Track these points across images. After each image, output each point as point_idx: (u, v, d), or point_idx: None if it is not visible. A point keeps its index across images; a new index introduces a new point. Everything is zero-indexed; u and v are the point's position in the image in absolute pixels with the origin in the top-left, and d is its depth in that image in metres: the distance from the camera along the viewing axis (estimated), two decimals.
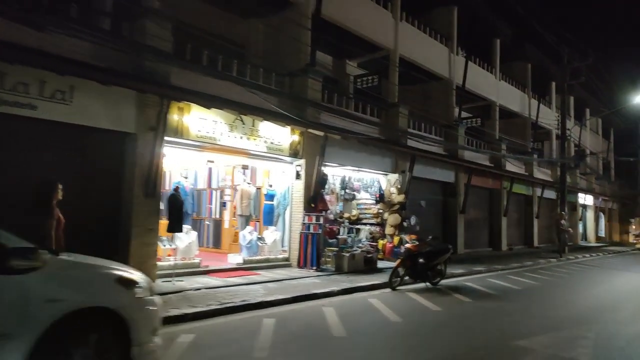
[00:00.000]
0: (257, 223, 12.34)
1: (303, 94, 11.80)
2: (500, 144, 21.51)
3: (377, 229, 15.09)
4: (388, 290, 9.32)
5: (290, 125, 11.07)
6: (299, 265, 11.24)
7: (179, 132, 9.12)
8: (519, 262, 15.90)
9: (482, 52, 21.56)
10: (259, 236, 11.67)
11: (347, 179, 14.03)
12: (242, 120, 10.29)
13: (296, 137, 11.63)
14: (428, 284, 10.04)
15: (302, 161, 11.81)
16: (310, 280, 9.73)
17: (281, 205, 12.28)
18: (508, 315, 7.41)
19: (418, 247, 9.82)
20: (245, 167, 11.59)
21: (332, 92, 13.41)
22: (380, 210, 15.06)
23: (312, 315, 6.81)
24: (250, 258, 11.02)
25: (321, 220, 11.35)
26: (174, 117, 9.00)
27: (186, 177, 10.95)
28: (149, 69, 8.44)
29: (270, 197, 12.05)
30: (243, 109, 9.76)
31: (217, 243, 13.65)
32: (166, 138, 8.92)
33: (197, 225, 13.21)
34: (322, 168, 12.66)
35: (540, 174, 25.55)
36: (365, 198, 15.49)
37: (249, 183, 11.75)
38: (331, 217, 13.90)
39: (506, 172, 21.22)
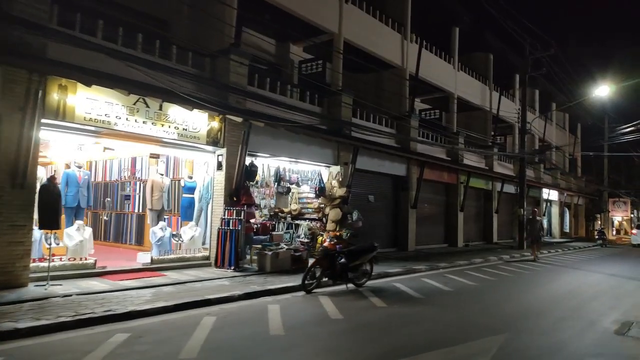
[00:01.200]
0: (177, 218, 11.28)
1: (226, 77, 10.77)
2: (457, 137, 20.84)
3: (318, 224, 14.19)
4: (301, 293, 8.40)
5: (203, 110, 9.99)
6: (217, 265, 10.23)
7: (60, 114, 7.97)
8: (467, 260, 15.21)
9: (441, 41, 20.80)
10: (174, 232, 10.61)
11: (281, 170, 13.04)
12: (145, 103, 9.18)
13: (216, 124, 10.57)
14: (350, 285, 9.16)
15: (223, 150, 10.78)
16: (219, 283, 8.73)
17: (204, 199, 11.25)
18: (416, 323, 6.56)
19: (336, 245, 8.92)
20: (154, 156, 10.48)
21: (265, 77, 12.40)
22: (322, 205, 14.15)
23: (179, 329, 5.77)
24: (161, 257, 9.97)
25: (242, 215, 10.35)
26: (54, 96, 7.85)
27: (80, 167, 9.79)
28: (19, 39, 7.28)
29: (190, 189, 11.00)
30: (141, 90, 8.67)
31: (139, 240, 12.52)
32: (44, 121, 7.79)
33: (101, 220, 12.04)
34: (251, 159, 11.71)
35: (502, 168, 25.02)
36: (306, 192, 14.57)
37: (161, 174, 10.64)
38: (263, 212, 12.99)
39: (462, 165, 20.54)
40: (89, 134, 8.73)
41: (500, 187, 24.41)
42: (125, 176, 12.40)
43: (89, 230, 9.08)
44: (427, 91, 21.25)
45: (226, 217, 10.39)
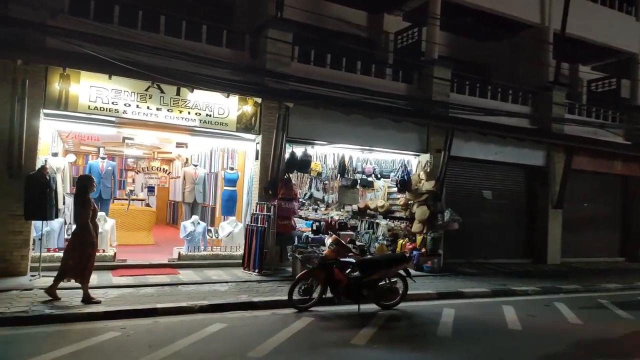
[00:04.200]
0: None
1: (262, 55, 9.56)
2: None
3: (403, 224, 11.76)
4: (291, 311, 6.56)
5: (232, 94, 8.95)
6: (244, 266, 9.04)
7: (62, 103, 7.93)
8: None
9: None
10: (209, 228, 9.87)
11: (347, 160, 11.09)
12: (160, 89, 8.61)
13: (249, 108, 9.41)
14: (372, 306, 6.85)
15: (259, 137, 9.56)
16: (222, 288, 7.51)
17: (251, 193, 10.23)
18: None
19: (337, 253, 6.72)
20: (181, 145, 9.87)
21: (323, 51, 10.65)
22: (410, 201, 11.66)
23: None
24: (190, 253, 9.30)
25: (271, 211, 8.95)
26: (55, 85, 7.84)
27: (104, 158, 9.79)
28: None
29: (231, 181, 10.10)
30: (148, 75, 8.05)
31: None
32: (46, 111, 7.86)
33: None
34: (305, 147, 10.22)
35: None
36: (390, 186, 12.28)
37: (195, 165, 10.00)
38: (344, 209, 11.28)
39: None
40: (100, 123, 8.58)
41: None
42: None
43: (110, 222, 8.98)
44: (596, 56, 16.07)
45: (257, 212, 9.14)
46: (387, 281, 6.94)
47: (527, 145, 12.94)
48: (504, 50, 15.19)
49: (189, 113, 8.86)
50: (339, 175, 11.09)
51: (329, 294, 6.83)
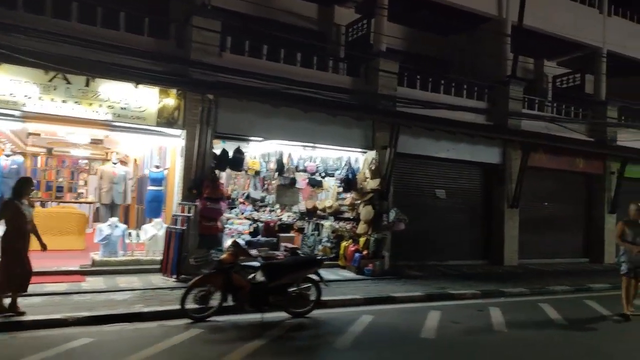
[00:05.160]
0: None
1: (188, 45, 8.95)
2: (605, 108, 14.69)
3: (349, 225, 11.18)
4: (184, 322, 5.92)
5: (142, 84, 8.30)
6: (162, 272, 8.38)
7: None
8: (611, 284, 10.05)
9: None
10: (130, 231, 9.21)
11: (287, 158, 10.47)
12: (66, 80, 7.95)
13: (171, 101, 8.78)
14: (279, 314, 6.24)
15: (182, 132, 8.94)
16: (116, 297, 6.85)
17: None
18: None
19: (235, 257, 6.10)
20: (96, 141, 9.20)
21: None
22: (357, 201, 11.09)
23: None
24: (106, 259, 8.63)
25: (191, 212, 8.32)
26: None
27: (8, 155, 9.12)
28: None
29: (156, 180, 9.47)
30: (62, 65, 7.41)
31: None
32: None
33: None
34: (238, 144, 9.62)
35: None
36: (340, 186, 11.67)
37: (114, 163, 9.33)
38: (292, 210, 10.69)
39: (612, 148, 14.33)
40: (13, 118, 7.91)
41: None
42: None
43: None
44: (560, 50, 15.66)
45: (178, 213, 8.51)
46: (298, 287, 6.33)
47: (482, 142, 12.44)
48: (465, 44, 14.70)
49: (100, 106, 8.21)
50: (276, 173, 10.45)
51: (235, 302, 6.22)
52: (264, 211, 12.87)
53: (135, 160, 13.04)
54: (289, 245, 9.34)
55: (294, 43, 10.84)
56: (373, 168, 10.67)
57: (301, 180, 12.03)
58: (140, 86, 8.32)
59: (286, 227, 10.79)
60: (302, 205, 12.12)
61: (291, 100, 9.34)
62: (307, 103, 9.50)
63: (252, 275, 6.20)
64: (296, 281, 6.27)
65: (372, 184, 10.55)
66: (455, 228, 12.46)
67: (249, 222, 10.64)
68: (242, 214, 12.23)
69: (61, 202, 13.97)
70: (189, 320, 5.94)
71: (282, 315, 6.31)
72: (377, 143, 10.93)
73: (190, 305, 5.96)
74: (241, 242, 9.23)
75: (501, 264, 12.56)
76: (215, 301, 6.10)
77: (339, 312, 6.90)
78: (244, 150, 9.82)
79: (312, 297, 6.48)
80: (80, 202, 14.07)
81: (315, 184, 12.06)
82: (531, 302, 8.36)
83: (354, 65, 11.48)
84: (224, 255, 6.17)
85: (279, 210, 12.63)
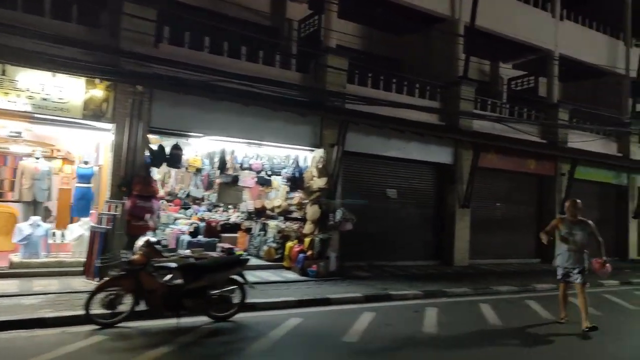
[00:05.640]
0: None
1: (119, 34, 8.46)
2: (556, 110, 14.88)
3: (296, 225, 10.86)
4: (90, 328, 5.45)
5: (71, 74, 7.78)
6: (86, 274, 7.84)
7: None
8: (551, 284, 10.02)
9: None
10: (55, 231, 8.62)
11: (230, 155, 10.06)
12: None
13: (98, 93, 8.24)
14: (198, 319, 5.84)
15: (112, 126, 8.42)
16: (24, 301, 6.30)
17: None
18: None
19: (147, 258, 5.68)
20: (15, 135, 8.59)
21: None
22: (305, 201, 10.77)
23: None
24: (26, 260, 8.03)
25: (117, 210, 7.82)
26: None
27: (38, 158, 8.55)
28: None
29: (85, 177, 8.90)
30: None
31: None
32: None
33: None
34: (177, 139, 9.17)
35: None
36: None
37: (37, 158, 8.74)
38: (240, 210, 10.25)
39: (562, 150, 14.51)
40: None
41: None
42: None
43: None
44: (514, 52, 15.81)
45: (106, 212, 7.98)
46: (221, 289, 5.95)
47: (434, 141, 12.35)
48: (419, 44, 14.64)
49: (18, 96, 7.62)
50: (218, 171, 10.01)
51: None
52: (216, 211, 12.54)
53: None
54: (226, 245, 8.95)
55: (242, 37, 10.50)
56: (320, 166, 10.38)
57: (250, 178, 11.68)
58: (64, 76, 7.79)
59: (230, 227, 10.37)
60: (251, 205, 11.76)
61: (232, 95, 8.96)
62: (248, 97, 9.14)
63: (169, 277, 5.78)
64: (217, 283, 5.89)
65: (318, 182, 10.26)
66: (406, 228, 12.31)
67: (195, 222, 10.19)
68: (196, 214, 11.85)
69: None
70: (96, 327, 5.47)
71: (203, 319, 5.93)
72: (325, 141, 10.65)
73: (98, 310, 5.50)
74: (185, 239, 8.83)
75: (452, 264, 12.48)
76: (126, 306, 5.65)
77: (267, 315, 6.55)
78: (182, 146, 9.36)
79: (236, 300, 6.11)
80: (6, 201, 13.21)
81: (264, 183, 11.72)
82: (472, 302, 8.22)
83: (305, 61, 11.21)
84: (134, 256, 5.72)
85: (231, 210, 12.27)
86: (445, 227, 12.84)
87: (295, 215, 11.22)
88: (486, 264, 13.01)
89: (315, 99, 10.54)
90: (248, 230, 11.51)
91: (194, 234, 9.59)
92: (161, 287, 5.65)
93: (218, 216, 12.45)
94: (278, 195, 11.88)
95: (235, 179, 10.26)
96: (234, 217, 12.26)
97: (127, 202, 8.05)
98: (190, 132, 9.22)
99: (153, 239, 5.76)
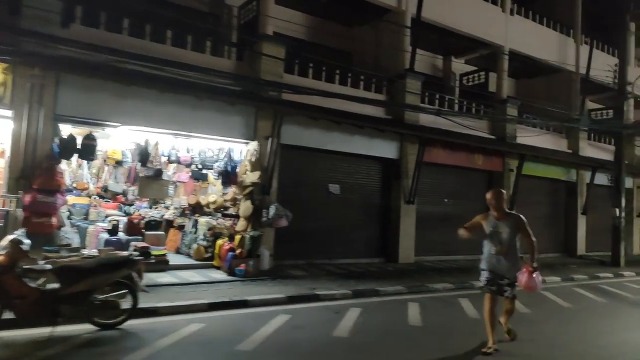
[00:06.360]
0: None
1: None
2: (504, 106, 14.76)
3: (229, 222, 10.28)
4: None
5: None
6: None
7: None
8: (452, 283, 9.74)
9: None
10: None
11: (153, 146, 9.37)
12: None
13: None
14: (93, 325, 5.20)
15: (9, 113, 7.62)
16: None
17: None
18: None
19: (12, 259, 4.99)
20: None
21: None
22: (238, 196, 10.19)
23: None
24: None
25: (12, 206, 7.05)
26: None
27: None
28: None
29: None
30: None
31: None
32: None
33: None
34: (90, 129, 8.39)
35: (598, 151, 17.58)
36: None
37: None
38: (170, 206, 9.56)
39: (509, 145, 14.40)
40: None
41: (590, 177, 17.07)
42: None
43: None
44: (465, 47, 15.61)
45: (1, 208, 7.20)
46: (106, 294, 5.32)
47: (379, 135, 11.97)
48: (368, 36, 14.24)
49: None
50: (138, 163, 9.30)
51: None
52: (156, 207, 11.84)
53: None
54: (139, 244, 8.27)
55: (170, 21, 9.81)
56: (253, 160, 9.82)
57: (184, 173, 11.04)
58: None
59: (155, 224, 9.67)
60: (185, 201, 11.11)
61: (150, 80, 8.29)
62: (168, 84, 8.49)
63: (41, 280, 5.12)
64: (101, 286, 5.26)
65: (251, 177, 9.69)
66: (350, 225, 11.88)
67: (114, 219, 9.44)
68: (138, 211, 11.12)
69: None
70: None
71: (86, 327, 5.28)
72: (260, 133, 10.08)
73: None
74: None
75: (397, 261, 12.13)
76: None
77: (168, 320, 5.95)
78: (98, 136, 8.61)
79: (127, 305, 5.49)
80: None
81: (199, 178, 11.08)
82: (402, 301, 7.83)
83: (241, 49, 10.62)
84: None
85: (172, 208, 11.62)
86: (391, 224, 12.49)
87: (231, 211, 10.65)
88: (431, 261, 12.73)
89: (248, 88, 9.97)
90: (181, 228, 10.86)
91: (112, 231, 8.85)
92: (32, 293, 4.97)
93: (155, 213, 11.78)
94: (214, 190, 11.28)
95: (159, 172, 9.53)
96: (168, 213, 11.60)
97: (26, 197, 7.28)
98: (105, 121, 8.48)
99: (20, 238, 5.04)
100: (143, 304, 6.21)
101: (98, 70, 7.95)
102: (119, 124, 8.71)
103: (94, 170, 10.58)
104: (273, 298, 7.28)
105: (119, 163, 9.28)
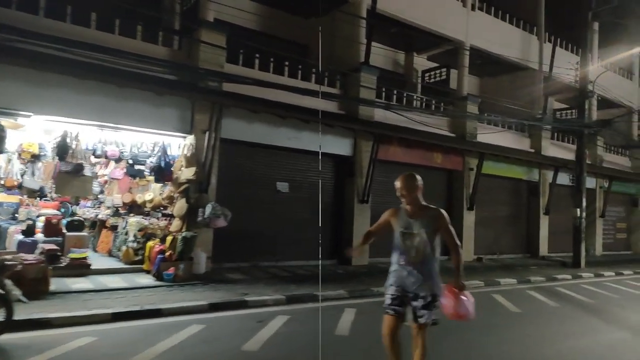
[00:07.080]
0: None
1: None
2: (465, 103, 14.38)
3: (163, 222, 9.53)
4: None
5: None
6: None
7: None
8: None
9: None
10: None
11: (73, 138, 8.53)
12: None
13: None
14: None
15: None
16: None
17: None
18: None
19: None
20: None
21: None
22: (174, 194, 9.44)
23: None
24: None
25: None
26: None
27: None
28: None
29: None
30: None
31: None
32: None
33: None
34: None
35: (561, 151, 17.39)
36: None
37: None
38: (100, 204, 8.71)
39: (468, 144, 14.02)
40: None
41: (552, 176, 16.86)
42: None
43: None
44: (426, 43, 15.20)
45: None
46: None
47: (331, 131, 11.35)
48: (324, 27, 13.62)
49: None
50: (56, 158, 8.45)
51: None
52: (98, 207, 11.05)
53: None
54: (47, 246, 7.46)
55: (101, 4, 9.01)
56: (189, 155, 9.10)
57: (119, 169, 10.22)
58: None
59: (78, 225, 8.85)
60: (119, 199, 10.29)
61: (62, 66, 7.50)
62: (88, 70, 7.71)
63: None
64: None
65: (186, 173, 8.98)
66: (299, 225, 11.23)
67: (30, 219, 8.59)
68: (81, 210, 10.28)
69: None
70: None
71: None
72: (197, 126, 9.38)
73: None
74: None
75: (349, 263, 11.55)
76: None
77: (57, 333, 5.20)
78: (8, 128, 7.76)
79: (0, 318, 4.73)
80: None
81: (135, 175, 10.26)
82: (339, 307, 7.22)
83: (181, 36, 9.89)
84: None
85: (103, 207, 10.81)
86: (344, 224, 11.91)
87: (169, 210, 9.89)
88: (386, 263, 12.02)
89: (185, 78, 9.25)
90: (114, 228, 10.06)
91: (26, 232, 7.99)
92: None
93: (92, 213, 10.98)
94: (153, 188, 10.49)
95: (79, 168, 8.69)
96: (102, 213, 10.78)
97: None
98: (15, 109, 7.65)
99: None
100: (35, 314, 5.50)
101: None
102: (32, 114, 7.88)
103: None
104: (192, 306, 6.58)
105: (35, 157, 8.42)
